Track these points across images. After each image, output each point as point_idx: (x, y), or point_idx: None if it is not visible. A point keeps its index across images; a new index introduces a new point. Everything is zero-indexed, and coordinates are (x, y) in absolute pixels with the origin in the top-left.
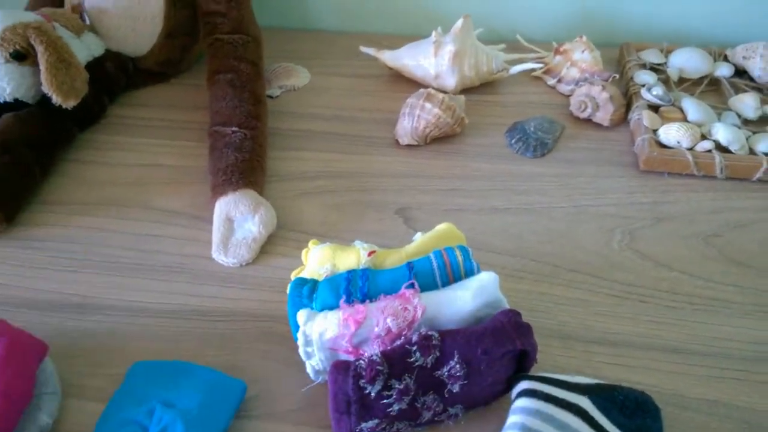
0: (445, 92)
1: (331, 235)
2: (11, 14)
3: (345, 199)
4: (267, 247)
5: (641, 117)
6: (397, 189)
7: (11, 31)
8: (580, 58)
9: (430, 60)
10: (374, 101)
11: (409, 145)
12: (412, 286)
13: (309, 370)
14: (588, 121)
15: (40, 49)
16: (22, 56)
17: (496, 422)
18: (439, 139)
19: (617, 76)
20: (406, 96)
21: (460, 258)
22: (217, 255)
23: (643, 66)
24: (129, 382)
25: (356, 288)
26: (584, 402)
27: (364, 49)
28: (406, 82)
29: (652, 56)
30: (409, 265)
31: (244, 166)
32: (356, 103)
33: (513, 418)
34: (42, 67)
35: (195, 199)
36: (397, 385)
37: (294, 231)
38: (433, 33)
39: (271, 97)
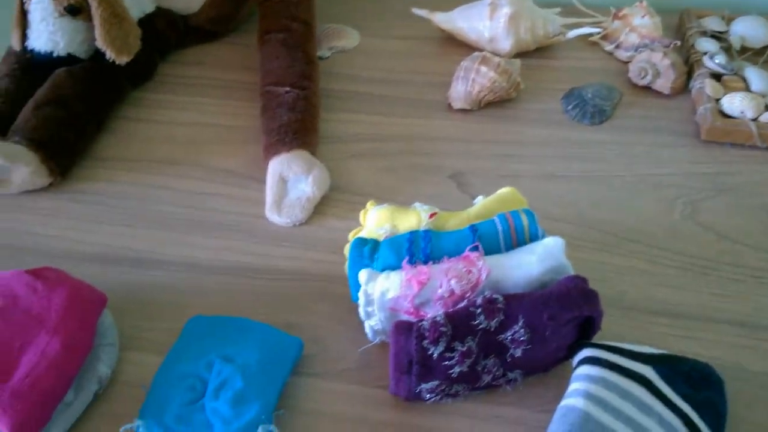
0: (499, 56)
1: (385, 198)
2: None
3: (397, 163)
4: (320, 207)
5: (704, 85)
6: (450, 153)
7: None
8: (639, 24)
9: (485, 22)
10: (426, 64)
11: (462, 109)
12: (476, 248)
13: (367, 330)
14: (647, 88)
15: (93, 3)
16: (76, 10)
17: (555, 388)
18: (493, 103)
19: (679, 43)
20: (458, 59)
21: (525, 222)
22: (271, 214)
23: (704, 33)
24: (187, 336)
25: (418, 249)
26: (648, 371)
27: (416, 10)
28: (459, 45)
29: (713, 24)
30: (473, 228)
31: (298, 126)
32: (407, 66)
33: (575, 385)
34: (96, 21)
35: (248, 158)
36: (459, 347)
37: (347, 193)
38: None
39: (321, 58)
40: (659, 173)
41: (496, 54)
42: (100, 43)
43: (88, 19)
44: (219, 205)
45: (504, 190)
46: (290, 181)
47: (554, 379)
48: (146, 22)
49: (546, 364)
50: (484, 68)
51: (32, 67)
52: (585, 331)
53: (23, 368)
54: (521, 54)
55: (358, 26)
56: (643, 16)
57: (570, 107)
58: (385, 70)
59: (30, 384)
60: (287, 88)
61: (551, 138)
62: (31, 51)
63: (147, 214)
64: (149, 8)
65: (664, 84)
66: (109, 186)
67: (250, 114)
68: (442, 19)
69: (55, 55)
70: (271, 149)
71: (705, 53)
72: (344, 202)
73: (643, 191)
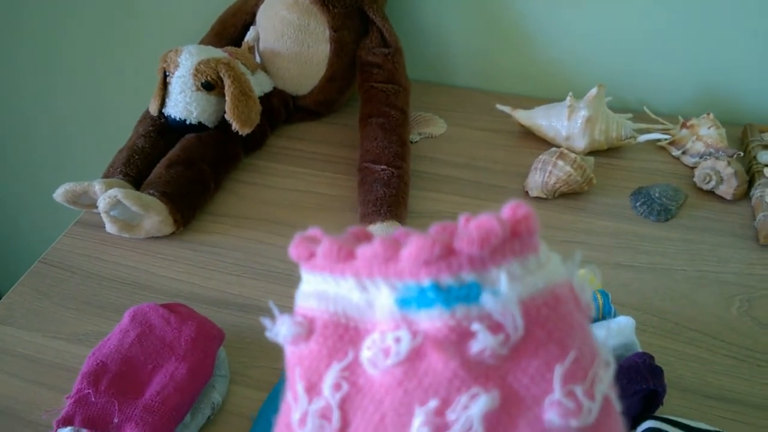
0: (575, 152)
1: None
2: (204, 50)
3: None
4: None
5: (764, 194)
6: None
7: (205, 65)
8: (706, 134)
9: (563, 122)
10: (505, 154)
11: (537, 197)
12: None
13: None
14: (710, 192)
15: (227, 82)
16: (211, 86)
17: None
18: (566, 194)
19: (741, 153)
20: (534, 152)
21: (600, 301)
22: None
23: (766, 147)
24: None
25: None
26: None
27: (499, 106)
28: (536, 140)
29: None
30: None
31: (391, 200)
32: (488, 155)
33: None
34: (227, 97)
35: (343, 224)
36: None
37: None
38: (568, 98)
39: (411, 142)
40: (719, 270)
41: (571, 150)
42: (228, 116)
43: (220, 94)
44: None
45: (580, 272)
46: None
47: None
48: (263, 100)
49: None
50: (561, 162)
51: (166, 130)
52: (649, 404)
53: (154, 387)
54: (594, 152)
55: (445, 116)
56: (709, 127)
57: (638, 204)
58: (468, 157)
59: (160, 401)
60: (383, 166)
61: (619, 231)
62: (167, 117)
63: (252, 266)
64: (268, 88)
65: (726, 190)
66: (221, 239)
67: (344, 185)
68: (523, 116)
69: (187, 122)
70: (368, 218)
71: (766, 165)
72: None
73: (704, 286)
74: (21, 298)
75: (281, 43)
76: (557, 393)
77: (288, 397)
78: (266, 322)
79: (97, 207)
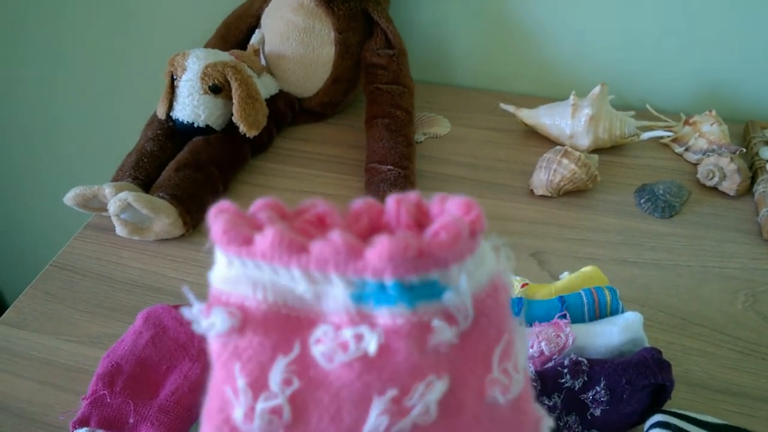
0: (579, 151)
1: None
2: (211, 53)
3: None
4: None
5: (766, 190)
6: (531, 234)
7: (212, 68)
8: (708, 131)
9: (567, 121)
10: (509, 153)
11: (542, 196)
12: (564, 316)
13: None
14: (713, 189)
15: (234, 85)
16: (218, 89)
17: None
18: (571, 192)
19: (744, 150)
20: (538, 151)
21: (608, 297)
22: None
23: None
24: None
25: (513, 313)
26: None
27: (503, 105)
28: (540, 139)
29: None
30: (561, 299)
31: None
32: (493, 154)
33: None
34: (234, 100)
35: None
36: (546, 402)
37: None
38: (572, 96)
39: (416, 142)
40: (723, 266)
41: (575, 149)
42: (235, 118)
43: (227, 97)
44: None
45: (588, 268)
46: None
47: None
48: (269, 102)
49: (620, 427)
50: (565, 160)
51: (174, 133)
52: (657, 398)
53: (169, 387)
54: (598, 150)
55: (449, 116)
56: (711, 124)
57: (642, 201)
58: (472, 156)
59: (175, 401)
60: (389, 167)
61: (624, 227)
62: (175, 120)
63: None
64: (274, 91)
65: (729, 186)
66: None
67: (350, 186)
68: (527, 115)
69: (195, 125)
70: None
71: None
72: None
73: (709, 281)
74: (32, 301)
75: (286, 45)
76: (495, 372)
77: (225, 392)
78: (187, 312)
79: (106, 210)
